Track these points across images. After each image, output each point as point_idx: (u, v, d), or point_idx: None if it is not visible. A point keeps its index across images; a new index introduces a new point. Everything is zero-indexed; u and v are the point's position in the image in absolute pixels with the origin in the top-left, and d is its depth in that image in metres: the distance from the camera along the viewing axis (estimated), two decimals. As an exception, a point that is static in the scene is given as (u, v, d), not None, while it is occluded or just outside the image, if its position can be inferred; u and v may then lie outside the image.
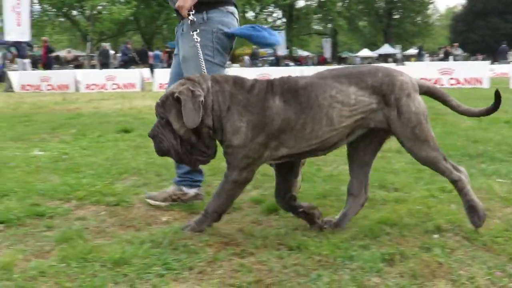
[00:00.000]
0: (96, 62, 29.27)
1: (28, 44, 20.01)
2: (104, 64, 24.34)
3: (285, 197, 2.59)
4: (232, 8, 3.04)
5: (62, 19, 36.46)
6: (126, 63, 26.01)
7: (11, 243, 2.46)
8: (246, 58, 27.49)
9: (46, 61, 20.13)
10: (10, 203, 3.06)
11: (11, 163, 4.23)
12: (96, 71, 18.45)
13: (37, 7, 32.95)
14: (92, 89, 15.44)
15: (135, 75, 16.23)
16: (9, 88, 16.06)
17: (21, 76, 16.42)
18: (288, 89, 2.45)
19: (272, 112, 2.39)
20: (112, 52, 28.01)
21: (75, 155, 4.64)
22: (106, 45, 26.83)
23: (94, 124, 7.02)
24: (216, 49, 2.96)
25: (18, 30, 18.29)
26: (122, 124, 6.81)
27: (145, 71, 18.15)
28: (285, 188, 2.59)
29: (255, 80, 2.53)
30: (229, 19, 3.01)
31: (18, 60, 19.19)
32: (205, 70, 2.78)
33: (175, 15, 3.21)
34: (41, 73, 16.85)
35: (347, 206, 2.64)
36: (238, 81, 2.49)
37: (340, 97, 2.42)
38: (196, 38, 2.85)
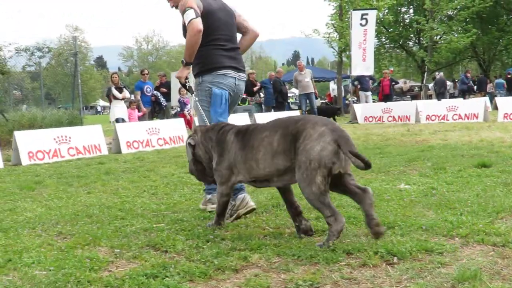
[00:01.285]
0: (432, 92, 29.43)
1: (371, 77, 21.49)
2: (440, 94, 24.21)
3: (291, 208, 3.57)
4: (223, 71, 4.20)
5: (398, 51, 38.08)
6: (465, 92, 25.26)
7: (410, 276, 2.64)
8: None
9: (389, 92, 21.21)
10: (397, 236, 3.30)
11: (386, 195, 4.59)
12: (436, 102, 18.43)
13: (375, 41, 35.34)
14: (433, 120, 15.48)
15: (477, 104, 15.52)
16: (354, 120, 17.58)
17: (364, 108, 17.74)
18: (240, 130, 3.54)
19: (228, 145, 3.51)
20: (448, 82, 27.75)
21: (443, 190, 4.70)
22: (441, 74, 26.67)
23: (448, 157, 7.00)
24: (209, 102, 4.22)
25: (363, 65, 19.90)
26: (478, 158, 6.57)
27: (486, 100, 17.15)
28: (289, 202, 3.57)
29: (226, 124, 3.74)
30: (219, 79, 4.20)
31: (361, 93, 20.88)
32: (205, 119, 4.17)
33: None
34: (382, 105, 17.85)
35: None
36: (214, 127, 3.77)
37: (267, 141, 3.26)
38: (195, 98, 4.28)
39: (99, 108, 67.45)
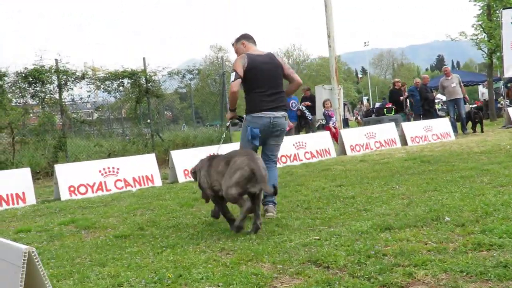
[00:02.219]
0: None
1: (527, 78, 19.62)
2: None
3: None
4: (260, 114, 5.49)
5: None
6: None
7: None
8: None
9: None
10: None
11: None
12: None
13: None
14: None
15: None
16: (509, 124, 16.11)
17: (520, 111, 16.18)
18: (213, 157, 5.25)
19: (206, 167, 5.17)
20: None
21: None
22: None
23: None
24: (248, 134, 5.52)
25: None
26: None
27: None
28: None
29: (217, 154, 5.34)
30: (256, 119, 5.50)
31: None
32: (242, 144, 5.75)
33: None
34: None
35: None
36: (207, 156, 5.40)
37: (218, 165, 5.00)
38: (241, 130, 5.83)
39: (243, 125, 70.46)
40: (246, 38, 5.74)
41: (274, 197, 5.52)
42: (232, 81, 5.43)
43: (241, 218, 4.70)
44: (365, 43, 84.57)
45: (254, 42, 5.74)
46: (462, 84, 16.49)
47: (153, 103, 15.23)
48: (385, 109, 17.74)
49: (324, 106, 14.93)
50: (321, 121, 16.13)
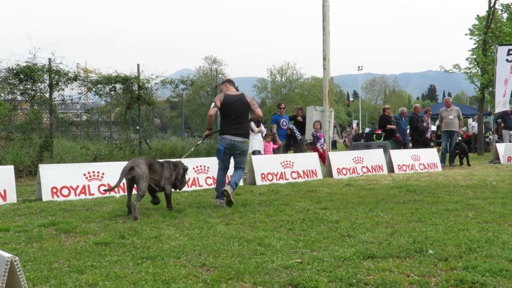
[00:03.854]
0: None
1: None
2: None
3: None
4: (225, 136, 7.94)
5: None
6: None
7: None
8: None
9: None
10: None
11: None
12: None
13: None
14: None
15: None
16: (496, 160, 16.31)
17: (508, 147, 16.37)
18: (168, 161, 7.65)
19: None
20: None
21: None
22: None
23: None
24: (217, 149, 8.24)
25: (503, 100, 18.81)
26: None
27: None
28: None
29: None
30: (222, 140, 7.98)
31: (504, 131, 19.52)
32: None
33: None
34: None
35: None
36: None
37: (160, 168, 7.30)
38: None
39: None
40: (228, 82, 8.39)
41: (234, 180, 7.85)
42: (211, 108, 7.89)
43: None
44: (359, 67, 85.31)
45: (233, 85, 8.33)
46: (462, 117, 16.66)
47: (143, 110, 15.18)
48: (374, 135, 17.86)
49: (313, 127, 14.99)
50: (309, 140, 16.19)
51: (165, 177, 7.30)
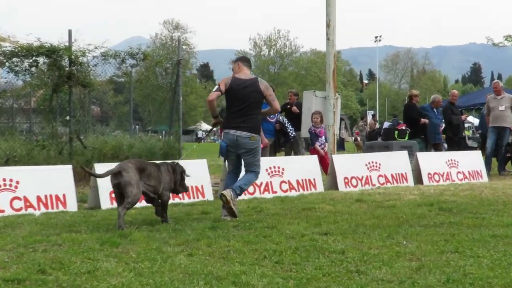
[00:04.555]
0: None
1: None
2: None
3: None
4: (227, 130, 8.49)
5: None
6: None
7: None
8: None
9: None
10: None
11: None
12: None
13: None
14: None
15: None
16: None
17: None
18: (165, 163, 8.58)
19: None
20: None
21: None
22: None
23: None
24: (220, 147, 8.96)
25: None
26: None
27: None
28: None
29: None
30: (225, 135, 8.56)
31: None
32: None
33: None
34: None
35: None
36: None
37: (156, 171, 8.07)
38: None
39: (200, 134, 68.88)
40: (242, 60, 8.84)
41: (239, 184, 8.47)
42: (212, 92, 8.38)
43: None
44: (376, 37, 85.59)
45: (249, 66, 8.76)
46: None
47: (76, 94, 15.00)
48: (396, 132, 17.82)
49: (312, 120, 14.50)
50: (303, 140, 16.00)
51: (164, 181, 8.02)
